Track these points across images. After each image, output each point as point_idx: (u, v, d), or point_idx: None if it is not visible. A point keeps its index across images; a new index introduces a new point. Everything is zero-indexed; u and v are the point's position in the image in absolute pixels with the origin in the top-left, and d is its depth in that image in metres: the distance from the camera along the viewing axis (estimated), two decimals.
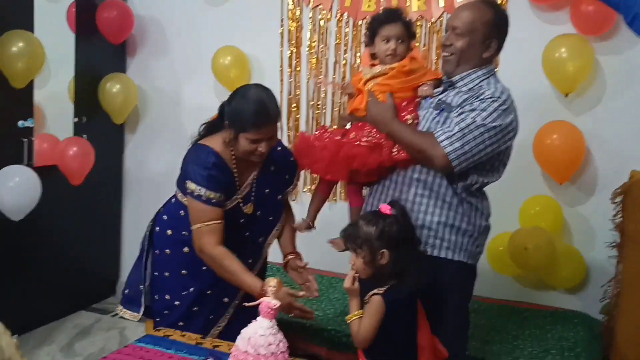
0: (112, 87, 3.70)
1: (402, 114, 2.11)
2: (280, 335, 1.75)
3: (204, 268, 2.20)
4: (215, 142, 2.17)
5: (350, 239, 1.91)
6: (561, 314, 2.95)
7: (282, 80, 3.56)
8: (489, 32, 2.06)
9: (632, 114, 2.90)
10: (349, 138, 2.13)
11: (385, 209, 1.91)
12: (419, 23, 3.25)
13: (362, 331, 1.88)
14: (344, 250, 2.07)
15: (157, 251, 2.35)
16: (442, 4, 3.18)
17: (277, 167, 2.30)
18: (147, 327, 2.47)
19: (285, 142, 3.51)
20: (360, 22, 3.37)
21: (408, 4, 3.25)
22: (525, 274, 3.04)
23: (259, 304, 1.78)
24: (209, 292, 2.26)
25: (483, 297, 2.90)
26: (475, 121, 1.98)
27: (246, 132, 2.08)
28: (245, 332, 1.75)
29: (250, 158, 2.15)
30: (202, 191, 2.11)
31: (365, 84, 2.19)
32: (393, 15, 2.18)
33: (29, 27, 3.18)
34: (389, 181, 2.14)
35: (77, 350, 3.30)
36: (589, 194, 3.02)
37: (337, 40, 3.43)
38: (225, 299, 2.27)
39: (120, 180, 4.06)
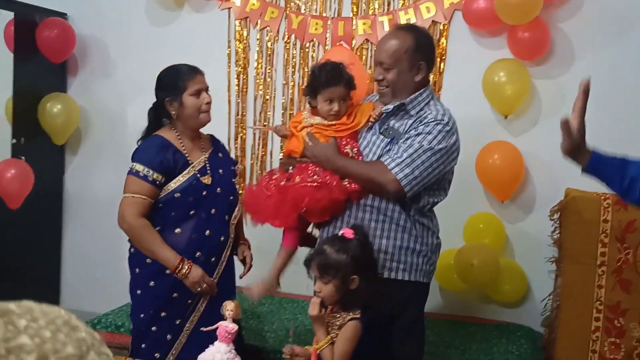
0: (52, 107, 3.60)
1: (342, 144, 2.17)
2: (238, 359, 1.75)
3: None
4: (160, 132, 2.38)
5: (322, 270, 1.88)
6: (505, 327, 3.05)
7: (229, 101, 3.56)
8: (414, 57, 2.12)
9: None
10: (294, 182, 2.14)
11: (349, 233, 1.94)
12: (364, 46, 3.33)
13: (338, 357, 1.84)
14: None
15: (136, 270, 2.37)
16: (387, 27, 3.27)
17: (224, 156, 2.53)
18: None
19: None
20: (307, 45, 3.42)
21: (354, 27, 3.33)
22: (470, 289, 3.13)
23: (216, 329, 1.77)
24: (163, 314, 2.26)
25: (431, 312, 2.97)
26: (422, 145, 2.04)
27: (187, 89, 2.30)
28: (203, 357, 1.74)
29: (200, 118, 2.34)
30: (136, 165, 2.27)
31: (302, 129, 2.22)
32: (336, 78, 2.19)
33: None
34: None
35: None
36: (528, 211, 3.16)
37: (285, 62, 3.47)
38: (178, 321, 2.27)
39: (60, 203, 3.93)
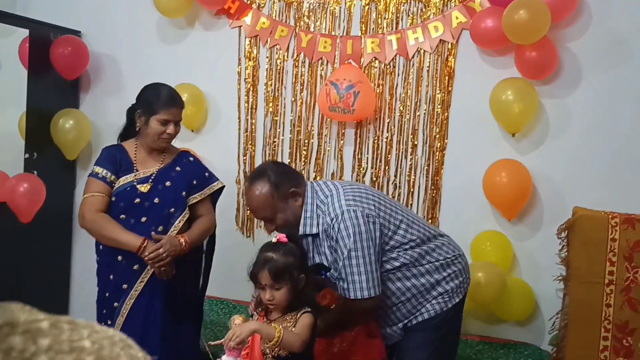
0: (64, 123, 3.65)
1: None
2: None
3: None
4: (125, 142, 2.59)
5: (275, 276, 1.94)
6: (512, 346, 3.04)
7: (239, 118, 3.60)
8: (282, 192, 2.14)
9: (572, 153, 3.07)
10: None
11: (283, 237, 2.03)
12: (373, 64, 3.37)
13: (301, 334, 1.93)
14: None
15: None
16: (395, 46, 3.31)
17: (183, 169, 2.58)
18: None
19: (241, 179, 3.57)
20: (316, 62, 3.47)
21: (362, 45, 3.37)
22: (477, 307, 3.12)
23: (222, 343, 1.78)
24: (111, 277, 2.50)
25: None
26: (351, 256, 2.04)
27: (157, 114, 2.44)
28: None
29: (157, 143, 2.49)
30: (94, 168, 2.50)
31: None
32: None
33: None
34: None
35: None
36: (536, 229, 3.16)
37: (294, 80, 3.51)
38: (124, 285, 2.47)
39: (70, 217, 3.97)
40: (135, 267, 2.44)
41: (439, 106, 3.26)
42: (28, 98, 3.55)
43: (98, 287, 2.56)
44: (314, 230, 2.13)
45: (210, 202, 2.65)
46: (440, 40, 3.25)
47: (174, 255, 2.38)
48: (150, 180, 2.48)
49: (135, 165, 2.51)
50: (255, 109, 3.59)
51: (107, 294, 2.49)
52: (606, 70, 3.00)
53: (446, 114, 3.25)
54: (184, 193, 2.53)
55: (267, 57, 3.55)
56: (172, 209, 2.49)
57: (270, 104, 3.56)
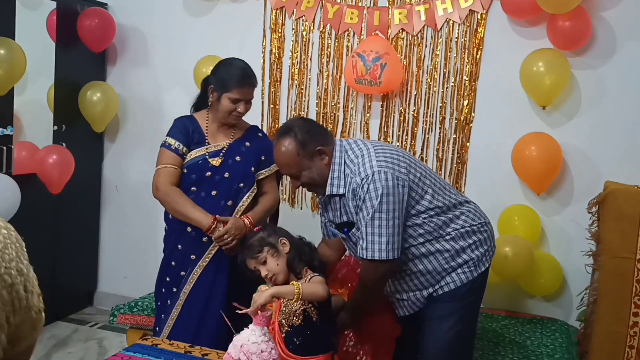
0: (92, 96, 3.67)
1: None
2: (272, 343, 1.76)
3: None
4: (196, 113, 2.58)
5: (255, 250, 2.04)
6: (539, 321, 3.02)
7: (262, 90, 3.59)
8: (308, 151, 2.12)
9: (606, 126, 3.00)
10: None
11: (256, 229, 2.16)
12: (400, 36, 3.31)
13: (318, 283, 1.99)
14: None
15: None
16: (423, 17, 3.25)
17: (252, 145, 2.56)
18: (130, 336, 2.45)
19: None
20: (342, 34, 3.42)
21: (390, 17, 3.31)
22: (504, 281, 3.10)
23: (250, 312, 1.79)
24: (179, 246, 2.52)
25: None
26: (374, 217, 2.02)
27: (229, 92, 2.42)
28: (237, 340, 1.75)
29: (227, 119, 2.48)
30: (167, 139, 2.49)
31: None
32: None
33: (10, 34, 3.15)
34: None
35: None
36: (565, 204, 3.11)
37: (320, 52, 3.47)
38: (192, 256, 2.49)
39: (98, 189, 4.02)
40: (204, 239, 2.46)
41: (467, 78, 3.20)
42: (56, 70, 3.57)
43: (164, 253, 2.57)
44: (341, 191, 2.12)
45: (275, 179, 2.63)
46: (470, 10, 3.17)
47: (239, 237, 2.40)
48: (221, 154, 2.48)
49: (207, 138, 2.51)
50: (280, 81, 3.57)
51: (173, 263, 2.50)
52: None
53: (474, 86, 3.19)
54: (252, 168, 2.52)
55: (293, 29, 3.51)
56: (242, 184, 2.50)
57: (296, 77, 3.53)
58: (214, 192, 2.47)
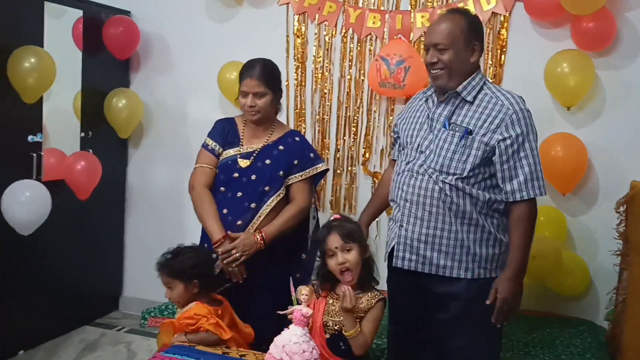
0: (117, 102, 3.72)
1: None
2: (312, 343, 1.79)
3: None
4: (237, 115, 2.68)
5: (346, 236, 2.08)
6: (567, 321, 3.02)
7: (287, 95, 3.62)
8: (469, 37, 2.11)
9: (631, 126, 3.00)
10: None
11: (337, 216, 2.25)
12: (423, 39, 3.32)
13: (370, 337, 2.05)
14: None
15: None
16: None
17: (285, 149, 2.56)
18: (160, 337, 2.44)
19: None
20: (365, 38, 3.45)
21: (412, 20, 3.34)
22: (531, 282, 3.10)
23: (291, 312, 1.82)
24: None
25: None
26: (532, 151, 2.06)
27: (240, 86, 2.52)
28: (279, 340, 1.78)
29: (247, 116, 2.54)
30: (206, 139, 2.60)
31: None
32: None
33: (39, 43, 3.20)
34: None
35: None
36: (591, 204, 3.11)
37: (342, 56, 3.50)
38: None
39: (123, 195, 4.07)
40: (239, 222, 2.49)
41: (491, 80, 3.21)
42: (83, 78, 3.62)
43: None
44: (469, 98, 2.10)
45: (309, 184, 2.57)
46: (493, 12, 3.19)
47: (248, 255, 2.38)
48: (252, 157, 2.51)
49: (241, 139, 2.57)
50: (304, 85, 3.60)
51: (225, 211, 2.49)
52: None
53: None
54: (281, 172, 2.50)
55: (316, 34, 3.54)
56: (267, 187, 2.48)
57: (319, 81, 3.56)
58: (239, 194, 2.49)
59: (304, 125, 3.61)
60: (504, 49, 3.19)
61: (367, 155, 3.50)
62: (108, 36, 3.64)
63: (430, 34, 2.15)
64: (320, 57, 3.55)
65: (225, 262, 2.38)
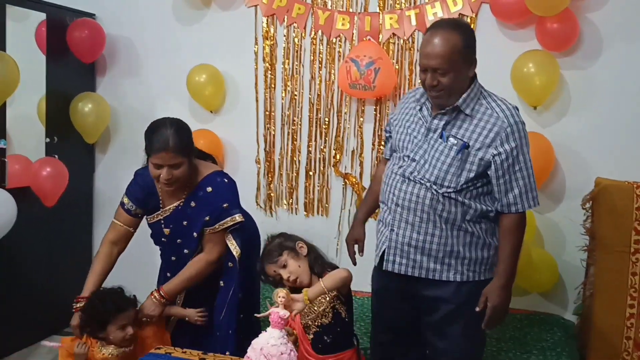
0: (83, 107, 3.65)
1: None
2: (290, 345, 1.79)
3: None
4: None
5: (271, 257, 2.16)
6: (536, 317, 3.07)
7: (257, 98, 3.61)
8: (467, 55, 2.06)
9: (595, 124, 3.08)
10: None
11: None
12: (392, 40, 3.36)
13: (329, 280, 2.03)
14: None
15: None
16: (414, 22, 3.30)
17: (197, 205, 2.39)
18: (61, 352, 2.45)
19: (261, 158, 3.59)
20: (334, 40, 3.46)
21: (381, 22, 3.36)
22: None
23: (268, 315, 1.81)
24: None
25: None
26: (526, 162, 2.10)
27: (150, 157, 2.29)
28: (257, 343, 1.78)
29: (159, 185, 2.37)
30: (123, 197, 2.51)
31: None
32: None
33: (2, 47, 3.13)
34: None
35: None
36: (558, 201, 3.18)
37: (312, 58, 3.51)
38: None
39: (91, 201, 3.99)
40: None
41: None
42: (47, 82, 3.55)
43: (160, 265, 2.62)
44: (467, 111, 2.07)
45: (220, 235, 2.40)
46: (460, 14, 3.24)
47: (153, 317, 2.42)
48: (170, 225, 2.44)
49: (161, 199, 2.44)
50: (274, 88, 3.59)
51: (168, 274, 2.50)
52: (628, 40, 3.00)
53: None
54: (195, 234, 2.40)
55: (285, 36, 3.54)
56: (186, 250, 2.44)
57: (289, 83, 3.56)
58: (173, 258, 2.49)
59: (273, 128, 3.60)
60: None
61: (337, 157, 3.51)
62: (73, 39, 3.58)
63: (427, 57, 2.04)
64: (290, 59, 3.55)
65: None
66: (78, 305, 2.43)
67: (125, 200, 2.48)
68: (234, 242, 2.38)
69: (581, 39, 3.03)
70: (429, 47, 2.04)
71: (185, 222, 2.40)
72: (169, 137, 2.25)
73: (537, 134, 3.07)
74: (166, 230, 2.45)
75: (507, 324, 3.00)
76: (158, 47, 3.79)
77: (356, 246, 2.46)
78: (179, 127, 2.32)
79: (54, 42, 3.54)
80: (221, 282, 2.42)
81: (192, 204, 2.38)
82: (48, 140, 3.56)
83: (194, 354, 2.07)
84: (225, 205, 2.37)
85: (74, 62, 3.64)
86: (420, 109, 2.20)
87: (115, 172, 3.94)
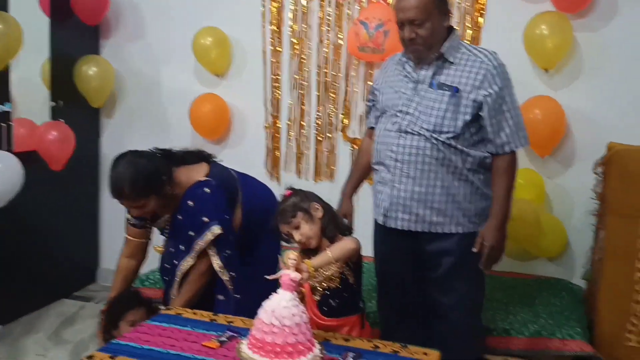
0: (88, 70, 3.61)
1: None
2: (302, 307, 1.78)
3: None
4: None
5: (289, 214, 2.06)
6: (545, 282, 3.08)
7: (264, 60, 3.56)
8: (441, 5, 2.12)
9: (608, 88, 3.03)
10: None
11: (287, 193, 2.14)
12: None
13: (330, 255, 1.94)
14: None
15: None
16: None
17: (183, 218, 2.35)
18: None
19: (269, 122, 3.54)
20: (342, 2, 3.39)
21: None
22: (509, 244, 3.14)
23: (279, 277, 1.80)
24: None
25: None
26: (514, 105, 2.15)
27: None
28: (268, 305, 1.77)
29: None
30: (126, 212, 2.44)
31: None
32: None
33: (4, 7, 3.07)
34: None
35: (65, 337, 3.24)
36: (568, 165, 3.15)
37: (320, 21, 3.44)
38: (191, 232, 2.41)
39: (97, 165, 3.98)
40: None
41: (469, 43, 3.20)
42: (51, 45, 3.50)
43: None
44: (451, 59, 2.13)
45: (211, 246, 2.32)
46: None
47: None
48: (167, 233, 2.46)
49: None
50: (281, 51, 3.53)
51: (165, 278, 2.50)
52: None
53: None
54: (182, 247, 2.35)
55: None
56: (176, 261, 2.38)
57: (296, 46, 3.50)
58: (167, 266, 2.47)
59: (279, 92, 3.55)
60: (483, 12, 3.17)
61: (345, 121, 3.48)
62: (77, 1, 3.51)
63: (402, 10, 2.10)
64: (297, 22, 3.48)
65: None
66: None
67: (129, 216, 2.46)
68: (215, 255, 2.32)
69: (595, 0, 2.96)
70: (404, 1, 2.10)
71: (175, 235, 2.41)
72: (120, 186, 2.19)
73: (548, 97, 3.03)
74: (159, 249, 2.54)
75: (515, 288, 3.01)
76: (163, 9, 3.73)
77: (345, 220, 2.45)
78: (133, 168, 2.20)
79: (57, 4, 3.48)
80: (220, 296, 2.36)
81: (179, 217, 2.36)
82: (54, 104, 3.53)
83: (205, 314, 2.07)
84: (205, 219, 2.29)
85: (78, 25, 3.59)
86: (403, 67, 2.24)
87: (121, 136, 3.92)
